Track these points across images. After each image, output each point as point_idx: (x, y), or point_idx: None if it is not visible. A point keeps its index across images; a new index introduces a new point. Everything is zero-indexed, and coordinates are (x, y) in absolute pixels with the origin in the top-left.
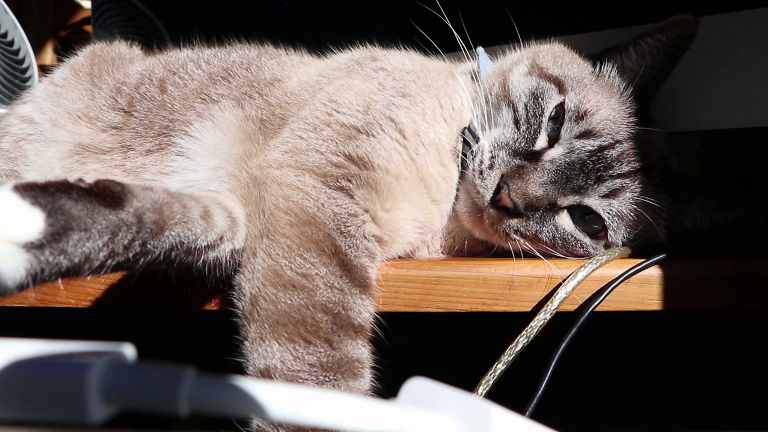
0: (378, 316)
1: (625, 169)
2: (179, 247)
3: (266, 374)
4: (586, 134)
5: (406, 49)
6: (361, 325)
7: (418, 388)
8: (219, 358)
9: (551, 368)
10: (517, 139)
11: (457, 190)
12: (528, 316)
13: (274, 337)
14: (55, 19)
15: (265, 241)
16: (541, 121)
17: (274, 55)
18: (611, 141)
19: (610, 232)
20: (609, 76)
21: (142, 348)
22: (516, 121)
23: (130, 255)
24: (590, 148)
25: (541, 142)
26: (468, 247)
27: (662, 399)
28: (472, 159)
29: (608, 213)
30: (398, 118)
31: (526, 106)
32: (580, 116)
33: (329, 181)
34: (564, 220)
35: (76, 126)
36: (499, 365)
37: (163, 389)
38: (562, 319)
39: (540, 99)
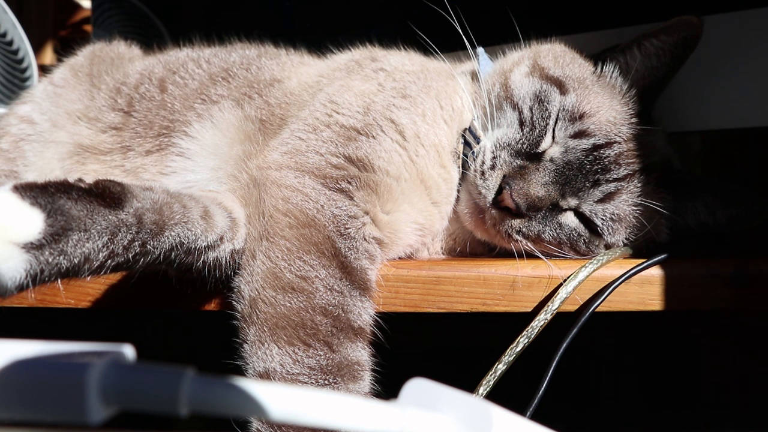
0: (378, 318)
1: (623, 171)
2: (179, 247)
3: (265, 377)
4: (580, 134)
5: (406, 49)
6: (360, 327)
7: (418, 388)
8: (219, 359)
9: (552, 368)
10: (520, 140)
11: (458, 191)
12: (529, 317)
13: (273, 341)
14: (55, 19)
15: (265, 243)
16: (548, 123)
17: (274, 55)
18: (605, 140)
19: (606, 236)
20: (611, 77)
21: (142, 348)
22: (521, 123)
23: (130, 255)
24: (584, 146)
25: (545, 144)
26: (469, 248)
27: (663, 399)
28: (474, 160)
29: (602, 218)
30: (398, 119)
31: (531, 108)
32: (576, 117)
33: (329, 183)
34: (567, 218)
35: (76, 127)
36: (500, 366)
37: (163, 390)
38: (562, 320)
39: (546, 102)
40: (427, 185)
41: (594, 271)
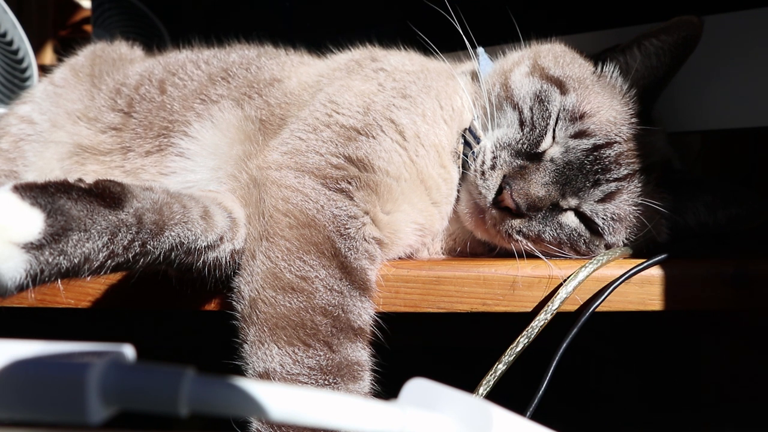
0: (378, 318)
1: (624, 171)
2: (179, 247)
3: (265, 377)
4: (581, 134)
5: (406, 49)
6: (360, 327)
7: (418, 388)
8: (219, 359)
9: (552, 368)
10: (520, 140)
11: (458, 191)
12: (529, 317)
13: (273, 341)
14: (55, 19)
15: (265, 243)
16: (548, 123)
17: (274, 55)
18: (606, 140)
19: (606, 236)
20: (611, 77)
21: (142, 348)
22: (521, 123)
23: (130, 255)
24: (585, 146)
25: (545, 144)
26: (469, 248)
27: (663, 399)
28: (474, 160)
29: (602, 218)
30: (398, 119)
31: (531, 108)
32: (576, 117)
33: (329, 183)
34: (567, 218)
35: (76, 127)
36: (500, 365)
37: (163, 389)
38: (562, 320)
39: (546, 102)
40: (427, 185)
41: (594, 271)
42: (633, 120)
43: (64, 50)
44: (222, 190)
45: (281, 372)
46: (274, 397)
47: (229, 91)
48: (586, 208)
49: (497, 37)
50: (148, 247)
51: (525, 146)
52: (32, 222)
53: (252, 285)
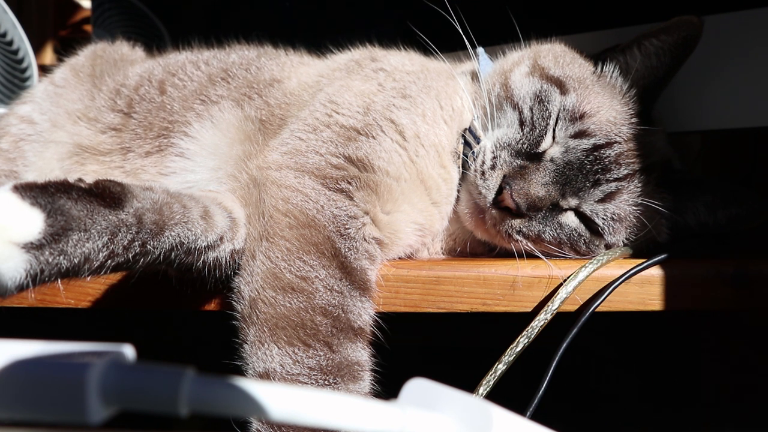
0: (378, 318)
1: (624, 171)
2: (179, 247)
3: (265, 378)
4: (581, 134)
5: (406, 49)
6: (360, 327)
7: (418, 388)
8: (219, 359)
9: (552, 369)
10: (520, 140)
11: (458, 191)
12: (529, 317)
13: (273, 341)
14: (55, 19)
15: (265, 243)
16: (548, 123)
17: (274, 55)
18: (606, 140)
19: (606, 236)
20: (611, 77)
21: (142, 348)
22: (521, 123)
23: (130, 255)
24: (585, 146)
25: (545, 144)
26: (469, 248)
27: (663, 399)
28: (474, 160)
29: (603, 218)
30: (398, 119)
31: (531, 108)
32: (576, 117)
33: (329, 183)
34: (567, 218)
35: (76, 127)
36: (500, 366)
37: (163, 389)
38: (562, 320)
39: (546, 102)
40: (427, 185)
41: (594, 271)
42: (633, 120)
43: (64, 50)
44: (222, 190)
45: (281, 372)
46: (274, 397)
47: (229, 91)
48: (586, 208)
49: (497, 37)
50: (148, 247)
51: (525, 146)
52: (32, 222)
53: (252, 285)
